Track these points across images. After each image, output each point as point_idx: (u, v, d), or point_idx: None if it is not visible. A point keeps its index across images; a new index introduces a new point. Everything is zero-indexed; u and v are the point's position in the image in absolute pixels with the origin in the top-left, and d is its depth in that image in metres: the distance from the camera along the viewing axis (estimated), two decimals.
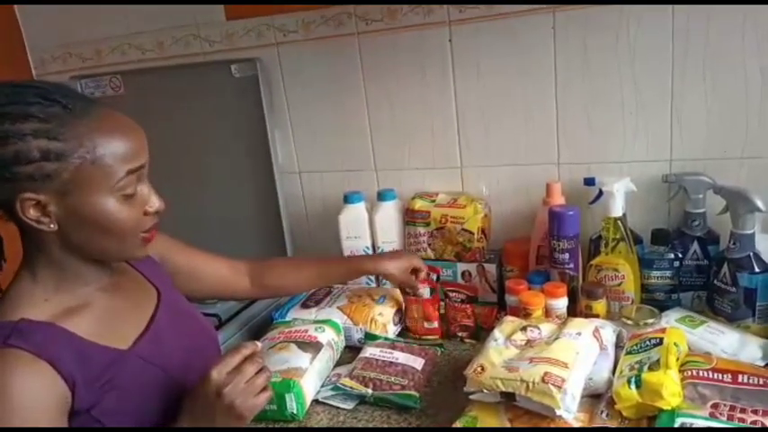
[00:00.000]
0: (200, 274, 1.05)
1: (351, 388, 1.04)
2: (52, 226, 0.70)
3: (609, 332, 1.00)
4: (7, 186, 0.67)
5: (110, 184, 0.70)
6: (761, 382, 0.84)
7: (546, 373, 0.85)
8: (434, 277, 1.24)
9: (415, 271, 1.20)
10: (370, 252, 1.42)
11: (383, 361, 1.09)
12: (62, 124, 0.67)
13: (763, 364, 0.96)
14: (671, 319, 1.07)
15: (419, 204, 1.36)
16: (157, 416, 0.78)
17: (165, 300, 0.88)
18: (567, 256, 1.17)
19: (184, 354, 0.84)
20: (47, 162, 0.67)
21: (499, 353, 0.95)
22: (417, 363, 1.09)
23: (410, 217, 1.37)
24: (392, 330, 1.24)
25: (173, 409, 0.78)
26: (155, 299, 0.88)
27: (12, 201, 0.68)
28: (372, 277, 1.44)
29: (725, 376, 0.86)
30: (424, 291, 1.22)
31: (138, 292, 0.87)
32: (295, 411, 1.01)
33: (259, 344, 0.78)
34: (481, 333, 1.18)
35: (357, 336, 1.22)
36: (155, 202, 0.76)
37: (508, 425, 0.87)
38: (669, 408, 0.81)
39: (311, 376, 1.05)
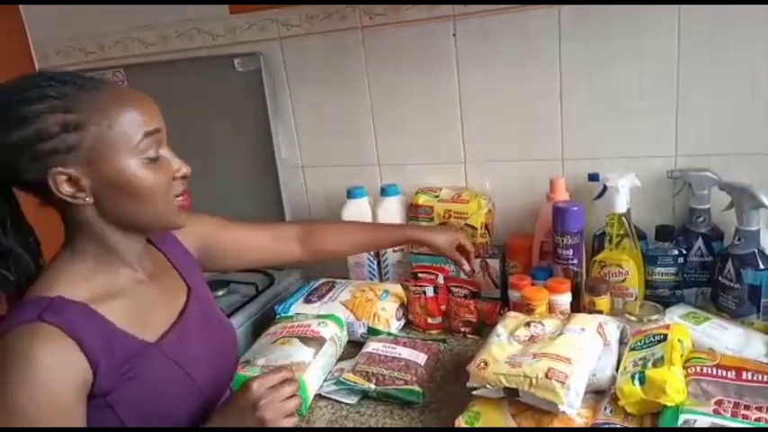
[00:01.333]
0: (246, 248, 1.07)
1: (354, 383, 1.04)
2: (87, 199, 0.73)
3: (612, 328, 1.00)
4: (37, 166, 0.70)
5: (130, 147, 0.73)
6: (765, 379, 0.84)
7: (549, 369, 0.85)
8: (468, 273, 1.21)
9: (460, 248, 1.17)
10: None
11: (386, 356, 1.09)
12: (75, 99, 0.71)
13: (767, 360, 0.96)
14: (675, 316, 1.07)
15: (422, 199, 1.36)
16: (168, 412, 0.79)
17: (194, 297, 0.90)
18: (570, 251, 1.17)
19: (205, 354, 0.86)
20: (67, 134, 0.70)
21: (502, 348, 0.95)
22: (420, 358, 1.09)
23: (413, 212, 1.37)
24: (395, 325, 1.24)
25: (184, 407, 0.80)
26: (185, 295, 0.89)
27: (44, 179, 0.71)
28: (375, 271, 1.44)
29: (729, 373, 0.86)
30: (472, 273, 1.21)
31: (171, 286, 0.89)
32: None
33: (297, 374, 0.82)
34: (484, 328, 1.18)
35: (360, 331, 1.23)
36: (181, 167, 0.79)
37: (511, 420, 0.87)
38: (673, 404, 0.81)
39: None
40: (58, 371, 0.68)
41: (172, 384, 0.79)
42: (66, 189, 0.72)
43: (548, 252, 1.24)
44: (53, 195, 0.72)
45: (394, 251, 1.41)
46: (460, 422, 0.89)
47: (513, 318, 1.05)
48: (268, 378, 0.78)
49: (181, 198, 0.79)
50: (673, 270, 1.14)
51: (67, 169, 0.71)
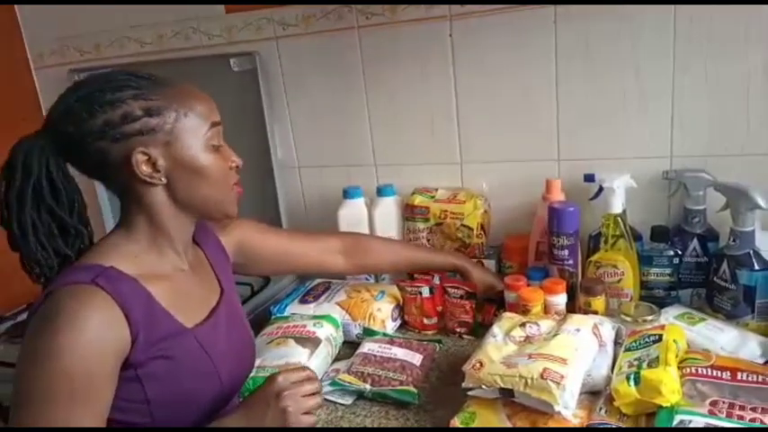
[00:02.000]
0: (289, 256, 1.13)
1: (349, 383, 1.04)
2: (163, 179, 0.80)
3: (608, 329, 1.00)
4: (120, 146, 0.77)
5: (201, 134, 0.81)
6: (760, 380, 0.84)
7: (545, 370, 0.85)
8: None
9: (491, 289, 1.23)
10: None
11: (381, 357, 1.09)
12: (153, 89, 0.79)
13: (762, 361, 0.96)
14: (670, 316, 1.07)
15: (419, 200, 1.36)
16: (190, 396, 0.82)
17: (225, 299, 0.93)
18: (566, 252, 1.17)
19: (229, 351, 0.89)
20: (150, 117, 0.77)
21: (498, 349, 0.95)
22: (416, 358, 1.09)
23: (409, 212, 1.37)
24: (391, 326, 1.24)
25: (204, 395, 0.83)
26: (218, 296, 0.93)
27: (128, 158, 0.77)
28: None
29: (724, 373, 0.86)
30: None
31: (207, 282, 0.93)
32: None
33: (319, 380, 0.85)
34: (479, 329, 1.18)
35: (355, 331, 1.22)
36: (236, 158, 0.87)
37: (507, 421, 0.87)
38: (668, 405, 0.81)
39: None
40: (103, 333, 0.72)
41: (199, 370, 0.83)
42: (145, 169, 0.78)
43: (543, 252, 1.24)
44: (130, 175, 0.78)
45: None
46: (456, 423, 0.89)
47: (508, 318, 1.05)
48: (292, 374, 0.81)
49: (237, 187, 0.87)
50: (668, 271, 1.14)
51: (148, 149, 0.78)
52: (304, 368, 0.84)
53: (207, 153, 0.82)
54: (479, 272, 1.23)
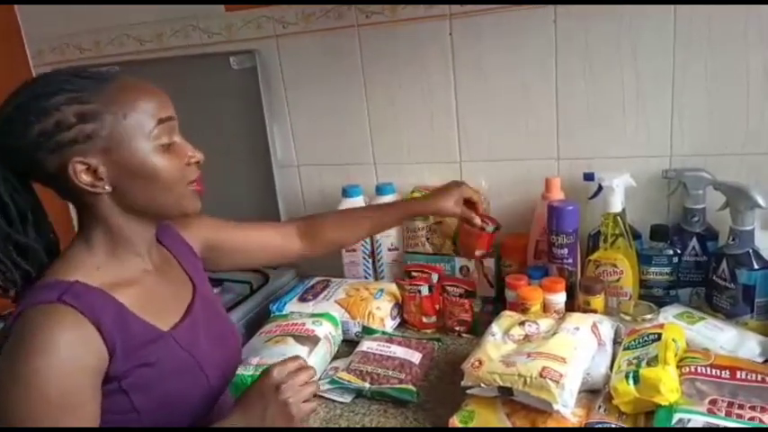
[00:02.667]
0: (248, 247, 1.07)
1: (348, 382, 1.04)
2: (107, 188, 0.75)
3: (607, 327, 1.00)
4: (56, 157, 0.73)
5: (144, 134, 0.75)
6: (759, 379, 0.84)
7: (544, 368, 0.85)
8: (490, 228, 1.16)
9: (469, 203, 1.13)
10: (369, 246, 1.42)
11: (380, 355, 1.09)
12: (91, 90, 0.74)
13: (761, 360, 0.96)
14: (669, 315, 1.07)
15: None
16: (178, 400, 0.80)
17: (199, 294, 0.91)
18: (565, 251, 1.17)
19: (212, 347, 0.87)
20: (84, 124, 0.72)
21: (497, 347, 0.95)
22: (415, 357, 1.09)
23: None
24: (390, 324, 1.24)
25: (193, 395, 0.82)
26: (191, 291, 0.91)
27: (65, 169, 0.73)
28: (371, 270, 1.44)
29: (723, 372, 0.86)
30: (485, 224, 1.14)
31: (178, 281, 0.91)
32: None
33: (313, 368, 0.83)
34: (478, 328, 1.17)
35: (354, 329, 1.22)
36: (194, 153, 0.81)
37: (505, 419, 0.87)
38: (667, 403, 0.81)
39: None
40: (77, 352, 0.70)
41: (183, 371, 0.81)
42: (85, 178, 0.74)
43: (543, 251, 1.24)
44: (73, 186, 0.74)
45: (389, 249, 1.41)
46: (455, 421, 0.89)
47: (507, 317, 1.05)
48: (286, 365, 0.80)
49: (194, 184, 0.82)
50: (667, 270, 1.14)
51: (86, 158, 0.73)
52: (295, 358, 0.82)
53: (154, 155, 0.76)
54: (438, 202, 1.12)
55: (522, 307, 1.11)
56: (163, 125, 0.77)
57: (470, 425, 0.88)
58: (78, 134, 0.72)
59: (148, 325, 0.78)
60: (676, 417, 0.79)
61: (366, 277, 1.43)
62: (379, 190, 1.40)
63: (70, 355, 0.69)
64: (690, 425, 0.78)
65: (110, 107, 0.74)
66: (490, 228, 1.15)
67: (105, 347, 0.72)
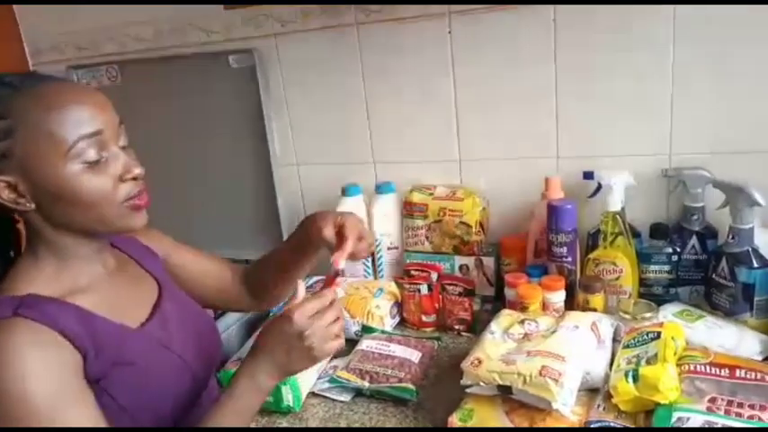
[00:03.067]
0: (201, 270, 1.00)
1: (347, 380, 1.04)
2: (29, 205, 0.71)
3: (606, 326, 1.00)
4: None
5: (62, 153, 0.69)
6: (758, 377, 0.84)
7: (543, 367, 0.85)
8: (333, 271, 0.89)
9: (340, 235, 0.88)
10: None
11: (380, 354, 1.09)
12: (8, 103, 0.69)
13: (760, 358, 0.96)
14: (668, 314, 1.07)
15: (417, 197, 1.36)
16: (162, 392, 0.79)
17: (166, 291, 0.89)
18: (565, 249, 1.17)
19: (188, 337, 0.86)
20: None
21: (496, 346, 0.95)
22: (414, 355, 1.09)
23: (408, 210, 1.37)
24: (389, 323, 1.24)
25: (177, 386, 0.80)
26: (156, 290, 0.89)
27: None
28: (370, 269, 1.43)
29: (722, 371, 0.86)
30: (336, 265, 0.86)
31: (139, 281, 0.88)
32: (291, 404, 1.00)
33: (338, 291, 0.78)
34: (478, 326, 1.17)
35: (354, 328, 1.22)
36: (131, 168, 0.74)
37: (505, 418, 0.87)
38: (666, 402, 0.81)
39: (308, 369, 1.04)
40: (48, 363, 0.67)
41: (163, 365, 0.80)
42: (8, 195, 0.70)
43: (542, 250, 1.24)
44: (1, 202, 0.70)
45: (389, 248, 1.41)
46: (454, 420, 0.89)
47: (507, 315, 1.05)
48: (307, 307, 0.75)
49: (133, 200, 0.75)
50: (667, 268, 1.14)
51: (5, 176, 0.69)
52: (316, 297, 0.76)
53: (75, 173, 0.70)
54: (315, 228, 0.91)
55: (521, 305, 1.11)
56: (88, 140, 0.70)
57: (469, 423, 0.88)
58: None
59: (116, 324, 0.76)
60: (675, 415, 0.79)
61: (365, 276, 1.43)
62: (379, 189, 1.40)
63: (41, 369, 0.66)
64: (689, 423, 0.78)
65: (25, 123, 0.68)
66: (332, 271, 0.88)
67: (76, 350, 0.70)
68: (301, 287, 0.81)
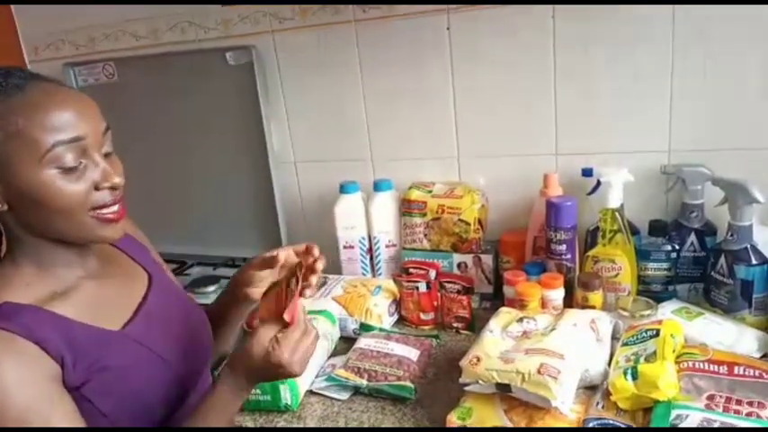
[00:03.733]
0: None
1: (345, 379, 1.03)
2: (2, 206, 0.70)
3: (605, 323, 1.00)
4: None
5: (37, 157, 0.68)
6: (757, 374, 0.84)
7: (542, 365, 0.85)
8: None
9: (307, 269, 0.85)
10: (366, 243, 1.41)
11: (378, 352, 1.09)
12: None
13: (759, 355, 0.96)
14: (667, 311, 1.07)
15: (415, 194, 1.35)
16: (145, 396, 0.78)
17: (155, 283, 0.88)
18: (563, 247, 1.17)
19: (174, 335, 0.84)
20: None
21: (495, 344, 0.95)
22: (413, 354, 1.08)
23: (406, 207, 1.36)
24: (387, 321, 1.24)
25: (162, 389, 0.79)
26: (145, 282, 0.87)
27: None
28: (368, 267, 1.43)
29: (721, 368, 0.86)
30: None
31: (128, 277, 0.86)
32: (289, 402, 1.00)
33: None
34: (476, 324, 1.17)
35: (352, 326, 1.22)
36: (109, 177, 0.72)
37: (503, 416, 0.87)
38: (665, 399, 0.81)
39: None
40: (24, 375, 0.66)
41: (144, 368, 0.78)
42: None
43: (541, 247, 1.24)
44: None
45: (387, 246, 1.41)
46: (452, 418, 0.89)
47: (505, 313, 1.05)
48: (289, 340, 0.75)
49: (103, 210, 0.73)
50: (666, 265, 1.14)
51: None
52: (285, 324, 0.76)
53: (48, 177, 0.68)
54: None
55: (520, 303, 1.10)
56: (66, 146, 0.69)
57: (468, 422, 0.88)
58: None
59: (97, 329, 0.75)
60: (674, 412, 0.79)
61: (364, 274, 1.43)
62: (377, 186, 1.40)
63: (17, 381, 0.65)
64: (687, 420, 0.77)
65: (4, 124, 0.67)
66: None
67: (52, 360, 0.69)
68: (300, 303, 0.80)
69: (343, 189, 1.40)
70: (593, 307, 1.09)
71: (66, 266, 0.77)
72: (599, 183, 1.16)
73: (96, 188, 0.72)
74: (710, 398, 0.81)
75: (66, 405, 0.69)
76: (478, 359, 0.91)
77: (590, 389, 0.92)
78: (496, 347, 0.93)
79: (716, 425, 0.76)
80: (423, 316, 1.24)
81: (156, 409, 0.80)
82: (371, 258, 1.43)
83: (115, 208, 0.74)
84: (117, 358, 0.75)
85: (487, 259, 1.31)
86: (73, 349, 0.71)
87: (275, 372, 0.77)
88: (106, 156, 0.74)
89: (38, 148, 0.68)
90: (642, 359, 0.86)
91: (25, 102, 0.68)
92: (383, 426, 0.96)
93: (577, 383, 0.87)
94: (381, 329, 1.20)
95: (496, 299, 1.28)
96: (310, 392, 1.05)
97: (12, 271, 0.74)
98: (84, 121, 0.71)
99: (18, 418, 0.65)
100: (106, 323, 0.77)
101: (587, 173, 1.21)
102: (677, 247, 1.14)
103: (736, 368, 0.85)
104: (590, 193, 1.20)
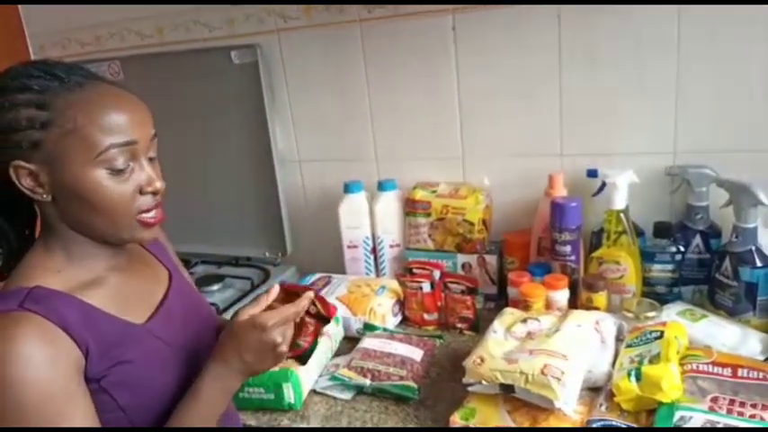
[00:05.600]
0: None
1: (349, 378, 1.04)
2: (46, 196, 0.72)
3: (609, 325, 1.00)
4: (3, 155, 0.70)
5: (91, 156, 0.70)
6: (760, 377, 0.84)
7: (545, 366, 0.85)
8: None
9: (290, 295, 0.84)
10: (370, 242, 1.42)
11: (382, 352, 1.09)
12: (54, 95, 0.69)
13: (762, 358, 0.96)
14: (672, 313, 1.07)
15: (420, 194, 1.35)
16: (162, 389, 0.79)
17: (175, 282, 0.90)
18: (568, 248, 1.16)
19: (191, 334, 0.86)
20: (33, 130, 0.69)
21: (499, 345, 0.95)
22: (416, 354, 1.09)
23: (411, 207, 1.36)
24: (391, 321, 1.24)
25: (178, 386, 0.80)
26: (166, 280, 0.89)
27: (6, 169, 0.70)
28: (372, 267, 1.43)
29: (725, 370, 0.86)
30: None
31: (151, 273, 0.89)
32: (293, 401, 1.00)
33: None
34: (480, 325, 1.17)
35: (356, 326, 1.22)
36: (153, 181, 0.75)
37: (507, 417, 0.87)
38: (669, 401, 0.81)
39: (309, 366, 1.04)
40: (49, 359, 0.67)
41: (163, 363, 0.80)
42: (27, 182, 0.71)
43: (545, 248, 1.24)
44: (16, 188, 0.71)
45: (391, 246, 1.41)
46: (456, 418, 0.89)
47: (509, 314, 1.05)
48: (276, 319, 0.76)
49: (146, 214, 0.75)
50: (670, 267, 1.14)
51: (29, 164, 0.70)
52: (288, 307, 0.77)
53: (99, 178, 0.71)
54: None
55: (524, 304, 1.10)
56: (119, 149, 0.71)
57: (471, 422, 0.88)
58: (23, 139, 0.68)
59: (121, 321, 0.76)
60: (678, 414, 0.79)
61: (368, 274, 1.43)
62: (381, 186, 1.40)
63: (41, 361, 0.66)
64: (691, 422, 0.78)
65: (61, 118, 0.69)
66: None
67: (78, 348, 0.70)
68: (275, 289, 0.81)
69: (348, 189, 1.40)
70: (597, 308, 1.09)
71: (95, 259, 0.79)
72: (604, 184, 1.16)
73: (140, 192, 0.74)
74: (714, 400, 0.81)
75: (81, 398, 0.70)
76: (482, 359, 0.91)
77: (594, 390, 0.92)
78: (500, 348, 0.93)
79: (719, 426, 0.76)
80: (426, 316, 1.24)
81: (169, 405, 0.80)
82: (375, 258, 1.43)
83: (155, 212, 0.77)
84: (138, 352, 0.76)
85: (492, 260, 1.31)
86: (97, 340, 0.72)
87: (264, 354, 0.76)
88: (150, 160, 0.76)
89: (92, 147, 0.69)
90: (646, 361, 0.86)
91: (85, 99, 0.70)
92: (386, 426, 0.96)
93: (581, 385, 0.87)
94: (385, 329, 1.20)
95: (500, 299, 1.28)
96: (314, 392, 1.05)
97: (45, 257, 0.76)
98: (138, 126, 0.73)
99: (38, 405, 0.66)
100: (131, 316, 0.78)
101: (592, 174, 1.21)
102: (682, 249, 1.14)
103: (739, 370, 0.85)
104: (595, 195, 1.20)
